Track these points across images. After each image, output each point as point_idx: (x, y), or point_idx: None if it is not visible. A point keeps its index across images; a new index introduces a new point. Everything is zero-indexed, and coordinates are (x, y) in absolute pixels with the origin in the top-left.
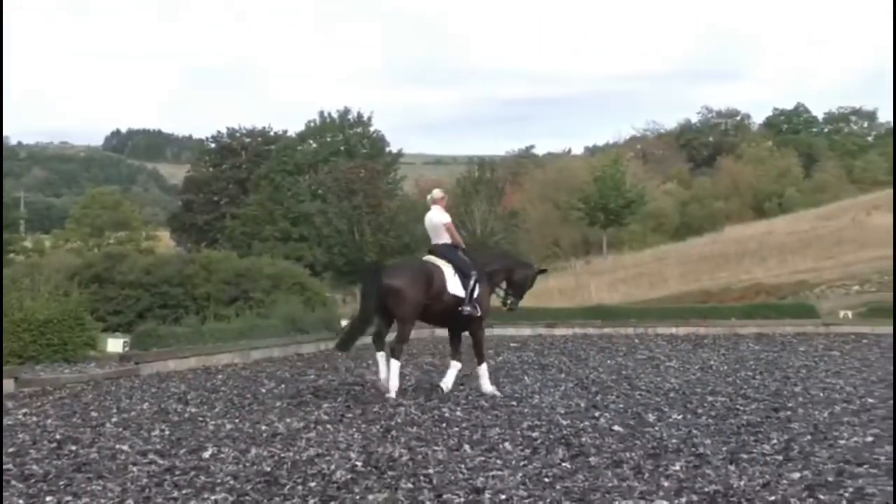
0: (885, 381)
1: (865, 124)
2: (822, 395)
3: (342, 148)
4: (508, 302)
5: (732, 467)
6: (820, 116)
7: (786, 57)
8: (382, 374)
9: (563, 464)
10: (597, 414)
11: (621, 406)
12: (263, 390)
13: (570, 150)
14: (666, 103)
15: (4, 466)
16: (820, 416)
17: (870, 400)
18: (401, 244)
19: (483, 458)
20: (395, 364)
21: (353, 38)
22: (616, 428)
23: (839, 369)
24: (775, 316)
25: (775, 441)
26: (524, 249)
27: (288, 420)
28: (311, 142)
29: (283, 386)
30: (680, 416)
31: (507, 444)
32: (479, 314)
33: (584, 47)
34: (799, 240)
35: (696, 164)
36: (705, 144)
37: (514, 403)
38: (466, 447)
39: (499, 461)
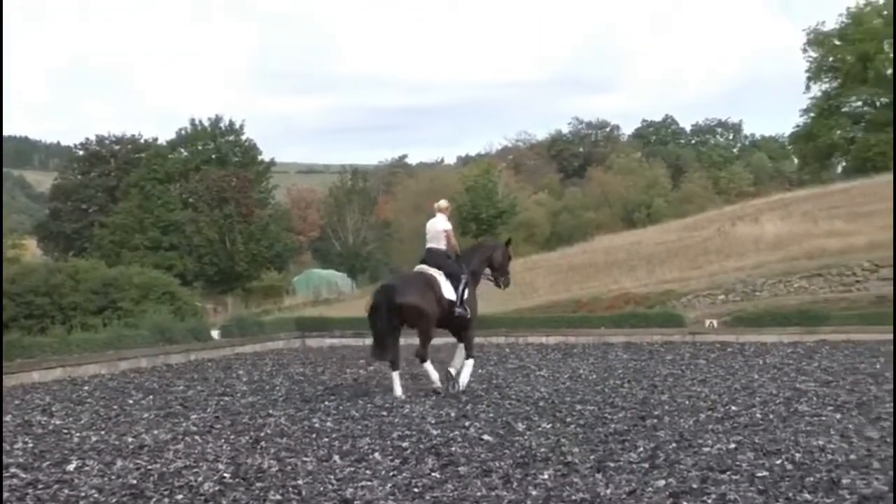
0: (748, 388)
1: (731, 136)
2: (687, 403)
3: (214, 156)
4: (500, 283)
5: (599, 476)
6: (687, 128)
7: (655, 70)
8: (398, 392)
9: (433, 473)
10: (467, 423)
11: (491, 415)
12: (131, 401)
13: (442, 160)
14: (538, 114)
15: None
16: (685, 424)
17: (733, 407)
18: (272, 253)
19: (352, 469)
20: (427, 365)
21: (224, 45)
22: (486, 437)
23: (705, 377)
24: (643, 325)
25: (642, 449)
26: (397, 260)
27: (155, 432)
28: (182, 150)
29: (150, 397)
30: (549, 425)
31: (376, 455)
32: (468, 315)
33: (458, 56)
34: (667, 250)
35: (567, 175)
36: (576, 155)
37: (385, 413)
38: (336, 458)
39: (368, 471)
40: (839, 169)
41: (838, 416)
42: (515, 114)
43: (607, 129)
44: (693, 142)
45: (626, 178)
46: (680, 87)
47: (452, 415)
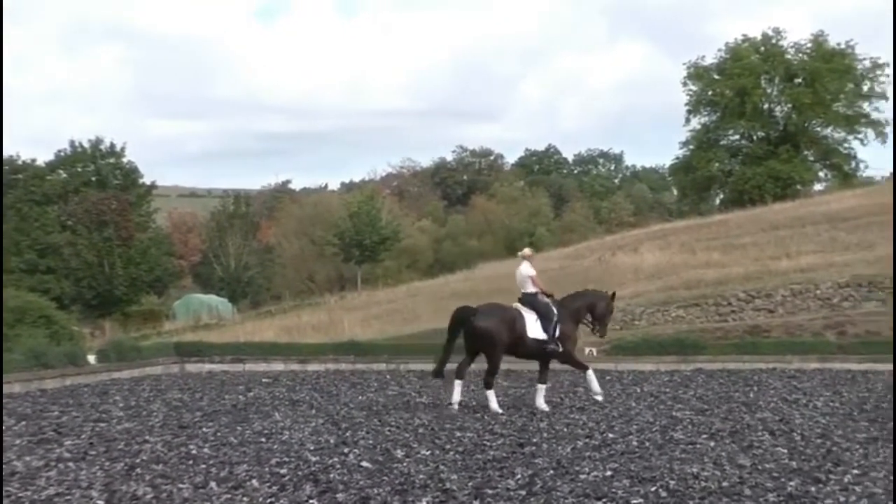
0: (626, 416)
1: (612, 167)
2: (566, 430)
3: (93, 178)
4: (596, 331)
5: (477, 502)
6: (570, 158)
7: (537, 100)
8: (454, 398)
9: (311, 500)
10: (346, 450)
11: (371, 442)
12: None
13: (326, 186)
14: (422, 141)
15: None
16: (563, 452)
17: (610, 435)
18: (152, 277)
19: (229, 496)
20: (489, 392)
21: (105, 67)
22: (364, 464)
23: (583, 405)
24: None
25: (519, 476)
26: (278, 284)
27: (27, 458)
28: (60, 171)
29: (23, 423)
30: (428, 452)
31: (254, 482)
32: (560, 350)
33: (343, 83)
34: (548, 278)
35: (451, 202)
36: (460, 183)
37: (264, 440)
38: (213, 484)
39: (245, 498)
40: (717, 201)
41: (712, 443)
42: (399, 141)
43: (491, 158)
44: (575, 172)
45: (510, 207)
46: (563, 117)
47: (332, 441)
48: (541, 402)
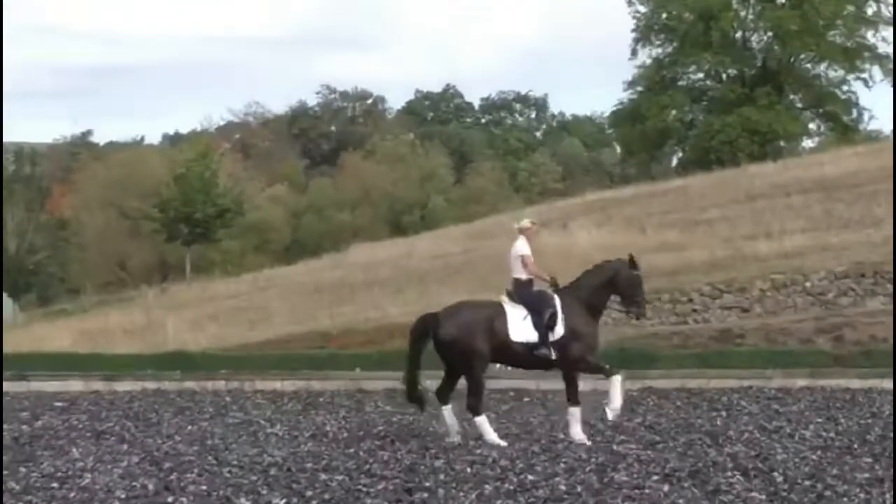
0: (550, 451)
1: (533, 115)
2: (469, 470)
3: None
4: (632, 313)
5: None
6: (475, 103)
7: (432, 23)
8: (451, 429)
9: None
10: (170, 499)
11: (204, 488)
12: None
13: (142, 139)
14: (274, 79)
15: None
16: (466, 500)
17: (530, 477)
18: None
19: None
20: (479, 420)
21: None
22: None
23: (499, 434)
24: None
25: None
26: (77, 273)
27: None
28: None
29: None
30: (282, 501)
31: None
32: (553, 357)
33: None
34: (446, 265)
35: (314, 162)
36: (326, 136)
37: (56, 486)
38: None
39: None
40: (674, 161)
41: (666, 487)
42: (243, 79)
43: (368, 102)
44: (483, 121)
45: (394, 169)
46: (465, 47)
47: (150, 487)
48: (576, 432)
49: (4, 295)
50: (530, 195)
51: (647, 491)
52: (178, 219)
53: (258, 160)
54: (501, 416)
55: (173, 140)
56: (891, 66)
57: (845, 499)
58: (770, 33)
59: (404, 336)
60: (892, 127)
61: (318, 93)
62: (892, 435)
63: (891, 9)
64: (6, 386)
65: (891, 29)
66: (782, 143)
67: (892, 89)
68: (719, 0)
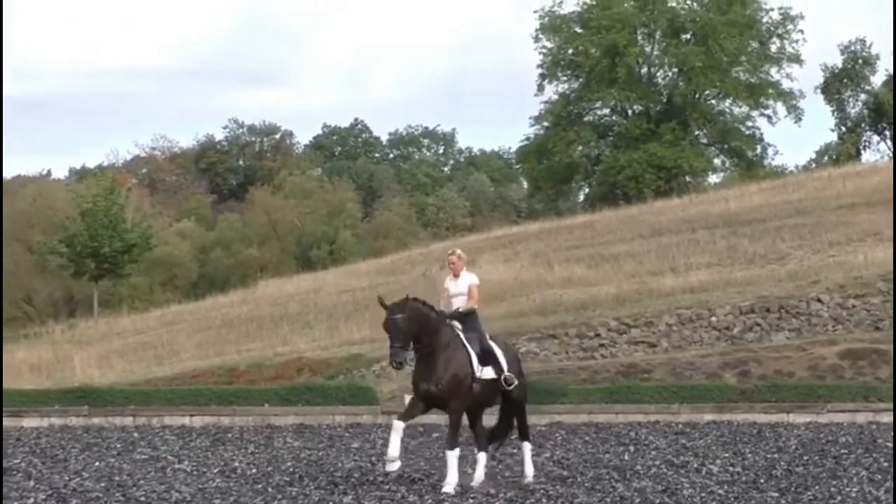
0: (461, 486)
1: (441, 150)
2: None
3: None
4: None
5: None
6: (383, 138)
7: (339, 59)
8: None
9: None
10: None
11: None
12: None
13: (49, 173)
14: (181, 112)
15: None
16: None
17: None
18: None
19: None
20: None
21: None
22: None
23: (403, 472)
24: (322, 402)
25: None
26: None
27: None
28: None
29: None
30: None
31: None
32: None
33: (59, 32)
34: (354, 300)
35: (222, 197)
36: (233, 170)
37: None
38: None
39: None
40: (580, 196)
41: None
42: (148, 112)
43: (276, 137)
44: (391, 156)
45: (302, 204)
46: (372, 83)
47: None
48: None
49: None
50: (438, 230)
51: None
52: (85, 254)
53: (165, 195)
54: (411, 451)
55: (80, 174)
56: (794, 102)
57: None
58: (675, 69)
59: (314, 371)
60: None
61: (225, 127)
62: (798, 469)
63: (794, 46)
64: None
65: (794, 66)
66: (688, 179)
67: (795, 125)
68: (625, 36)
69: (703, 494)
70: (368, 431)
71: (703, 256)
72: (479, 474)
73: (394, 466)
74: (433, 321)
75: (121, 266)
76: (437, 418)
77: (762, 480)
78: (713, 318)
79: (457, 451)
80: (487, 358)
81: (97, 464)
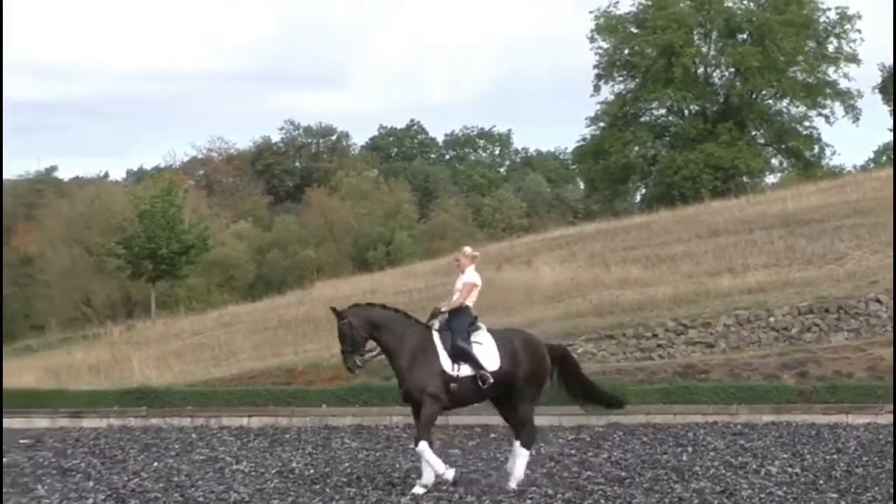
0: (518, 487)
1: (497, 151)
2: None
3: None
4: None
5: None
6: (440, 139)
7: (395, 60)
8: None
9: None
10: None
11: None
12: None
13: (106, 174)
14: (239, 115)
15: None
16: None
17: None
18: None
19: None
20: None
21: None
22: None
23: (467, 475)
24: (379, 402)
25: None
26: (41, 308)
27: None
28: None
29: None
30: None
31: None
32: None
33: (117, 34)
34: (411, 301)
35: (279, 198)
36: (290, 172)
37: None
38: None
39: None
40: (637, 197)
41: None
42: (207, 114)
43: (333, 138)
44: (447, 157)
45: (358, 205)
46: (429, 85)
47: None
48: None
49: None
50: (494, 231)
51: None
52: (142, 255)
53: (222, 196)
54: (468, 452)
55: (137, 176)
56: (851, 102)
57: None
58: (732, 69)
59: (369, 372)
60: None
61: (281, 128)
62: (858, 470)
63: (851, 45)
64: None
65: (852, 66)
66: (745, 179)
67: (853, 124)
68: (681, 36)
69: (762, 495)
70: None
71: (761, 257)
72: (520, 469)
73: (449, 474)
74: (391, 322)
75: (178, 267)
76: (495, 419)
77: (821, 482)
78: (771, 319)
79: (424, 445)
80: (460, 356)
81: (156, 464)
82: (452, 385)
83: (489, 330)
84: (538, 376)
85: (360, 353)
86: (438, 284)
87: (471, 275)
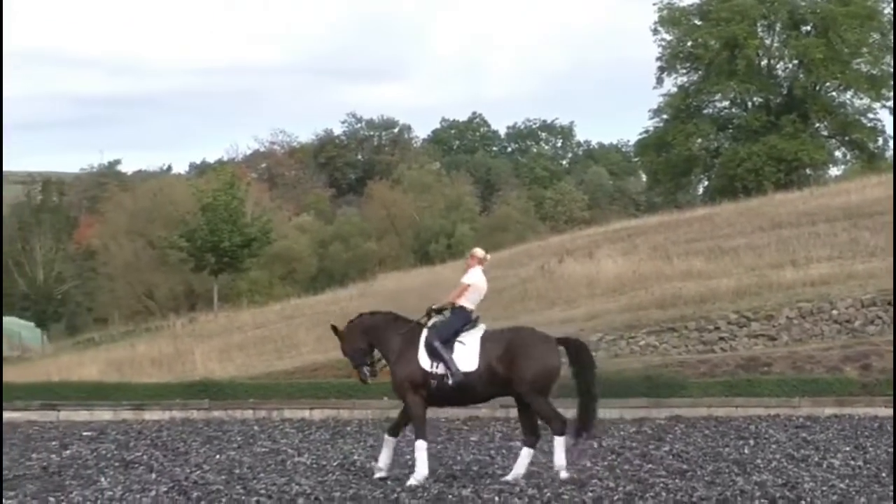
0: (577, 480)
1: (559, 143)
2: (497, 500)
3: None
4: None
5: None
6: (502, 131)
7: (458, 53)
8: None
9: None
10: None
11: None
12: None
13: (169, 168)
14: (301, 108)
15: None
16: None
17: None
18: None
19: None
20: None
21: None
22: None
23: (528, 468)
24: None
25: None
26: (104, 303)
27: None
28: None
29: None
30: None
31: None
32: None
33: (177, 28)
34: None
35: (341, 191)
36: (352, 164)
37: None
38: None
39: None
40: (700, 189)
41: None
42: (269, 108)
43: (395, 131)
44: (509, 150)
45: (420, 198)
46: (491, 77)
47: None
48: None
49: (31, 324)
50: (556, 223)
51: None
52: (205, 248)
53: (284, 189)
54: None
55: (200, 169)
56: None
57: None
58: (795, 61)
59: None
60: None
61: (343, 121)
62: None
63: None
64: (35, 416)
65: None
66: (808, 172)
67: None
68: (744, 28)
69: (824, 488)
70: (487, 425)
71: (824, 249)
72: (560, 455)
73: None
74: (380, 330)
75: (240, 260)
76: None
77: (884, 475)
78: (834, 312)
79: (422, 444)
80: (432, 354)
81: (218, 457)
82: (432, 381)
83: (489, 331)
84: (538, 373)
85: (367, 364)
86: (500, 276)
87: (470, 275)
